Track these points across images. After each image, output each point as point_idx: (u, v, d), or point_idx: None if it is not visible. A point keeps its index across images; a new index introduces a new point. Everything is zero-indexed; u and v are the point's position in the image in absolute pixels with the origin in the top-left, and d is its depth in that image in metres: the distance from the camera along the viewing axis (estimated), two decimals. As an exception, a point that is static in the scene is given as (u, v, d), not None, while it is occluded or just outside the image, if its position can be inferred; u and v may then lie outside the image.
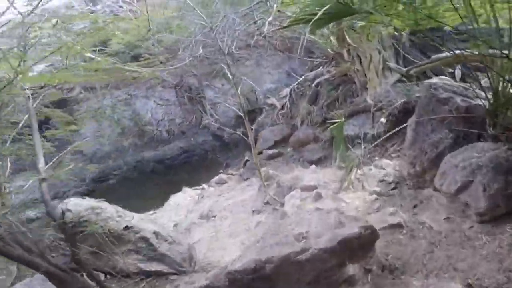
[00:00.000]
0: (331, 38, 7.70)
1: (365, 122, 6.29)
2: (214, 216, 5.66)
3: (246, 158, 9.09)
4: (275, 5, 7.08)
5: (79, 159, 13.48)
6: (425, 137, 3.66)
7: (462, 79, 6.51)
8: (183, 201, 8.34)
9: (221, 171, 10.13)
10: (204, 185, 8.91)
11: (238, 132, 7.16)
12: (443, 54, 6.06)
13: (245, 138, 6.15)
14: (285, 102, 9.40)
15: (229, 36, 5.92)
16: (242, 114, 6.28)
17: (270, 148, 8.59)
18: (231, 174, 8.76)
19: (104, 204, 3.24)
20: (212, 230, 5.24)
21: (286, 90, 11.09)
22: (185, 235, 5.30)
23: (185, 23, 9.76)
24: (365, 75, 7.02)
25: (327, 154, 6.53)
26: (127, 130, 13.40)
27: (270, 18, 7.26)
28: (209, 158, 12.64)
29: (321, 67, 9.54)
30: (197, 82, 12.77)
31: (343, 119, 4.81)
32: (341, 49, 6.80)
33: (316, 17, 2.87)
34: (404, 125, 4.40)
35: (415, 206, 3.60)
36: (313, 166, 5.82)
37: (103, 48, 10.78)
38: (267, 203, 5.22)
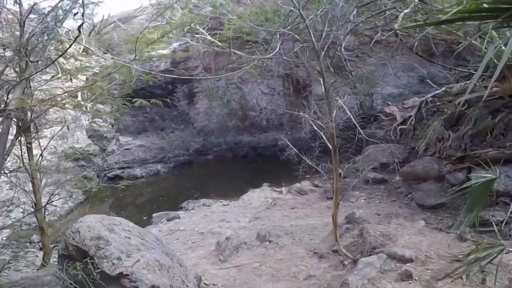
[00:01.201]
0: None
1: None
2: (270, 241, 4.58)
3: (340, 171, 7.51)
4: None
5: (190, 131, 14.25)
6: None
7: None
8: (257, 201, 7.46)
9: (308, 176, 8.81)
10: (284, 189, 7.81)
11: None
12: None
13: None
14: (410, 116, 7.26)
15: (341, 28, 4.37)
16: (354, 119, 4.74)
17: (375, 169, 6.78)
18: (316, 185, 7.35)
19: (113, 237, 2.45)
20: (257, 260, 4.22)
21: (415, 100, 8.79)
22: (225, 256, 4.35)
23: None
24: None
25: (448, 204, 4.51)
26: (233, 112, 13.33)
27: (407, 10, 5.30)
28: (309, 158, 11.39)
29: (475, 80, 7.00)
30: (306, 75, 11.44)
31: (497, 173, 2.87)
32: None
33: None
34: None
35: None
36: (422, 223, 3.95)
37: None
38: (336, 251, 3.78)
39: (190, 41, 10.82)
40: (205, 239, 5.50)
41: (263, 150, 12.33)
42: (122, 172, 11.37)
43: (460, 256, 3.07)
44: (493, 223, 3.62)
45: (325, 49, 3.69)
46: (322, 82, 3.55)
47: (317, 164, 4.25)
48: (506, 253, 2.84)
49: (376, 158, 6.80)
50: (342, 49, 10.45)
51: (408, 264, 3.08)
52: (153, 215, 7.46)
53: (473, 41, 5.96)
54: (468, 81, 6.90)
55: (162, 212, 7.43)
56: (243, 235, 5.12)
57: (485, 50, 5.81)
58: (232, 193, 8.59)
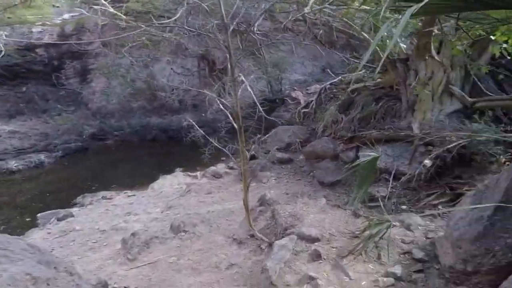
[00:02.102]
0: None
1: (402, 154, 4.86)
2: (186, 232, 4.41)
3: (253, 152, 7.88)
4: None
5: (83, 113, 12.69)
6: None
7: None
8: (169, 188, 7.08)
9: (223, 158, 8.95)
10: (198, 173, 7.74)
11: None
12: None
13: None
14: (311, 101, 7.99)
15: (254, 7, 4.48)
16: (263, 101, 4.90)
17: (281, 149, 7.30)
18: (232, 167, 7.55)
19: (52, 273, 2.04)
20: (173, 254, 4.00)
21: (316, 87, 9.66)
22: (134, 254, 4.09)
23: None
24: (417, 94, 5.52)
25: (343, 181, 5.18)
26: (139, 93, 12.43)
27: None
28: (217, 140, 11.44)
29: (363, 71, 8.04)
30: (223, 57, 11.45)
31: (379, 151, 3.46)
32: (418, 58, 5.19)
33: None
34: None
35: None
36: (323, 200, 4.46)
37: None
38: (253, 236, 3.97)
39: (86, 13, 9.60)
40: (108, 237, 4.93)
41: (175, 132, 11.89)
42: (-8, 167, 9.43)
43: (357, 233, 3.46)
44: (379, 198, 4.10)
45: (233, 24, 3.69)
46: (228, 58, 3.52)
47: (224, 146, 4.26)
48: (392, 227, 3.40)
49: (281, 138, 7.37)
50: (255, 29, 10.82)
51: (316, 244, 3.33)
52: (38, 215, 6.31)
53: (366, 35, 6.84)
54: (360, 72, 7.92)
55: (51, 211, 6.35)
56: (154, 227, 4.80)
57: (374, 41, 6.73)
58: (139, 182, 7.88)
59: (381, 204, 3.64)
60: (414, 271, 2.76)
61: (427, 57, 4.84)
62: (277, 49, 11.93)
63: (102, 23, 11.76)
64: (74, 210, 6.45)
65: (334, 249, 3.24)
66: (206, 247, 4.08)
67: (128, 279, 3.67)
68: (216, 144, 3.84)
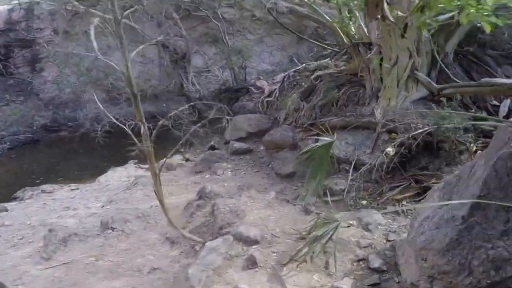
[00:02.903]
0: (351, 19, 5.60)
1: (364, 142, 4.32)
2: (113, 229, 3.73)
3: (212, 143, 7.11)
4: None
5: (34, 103, 11.42)
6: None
7: (507, 116, 4.61)
8: (117, 181, 6.32)
9: (182, 150, 8.11)
10: None
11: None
12: (501, 80, 4.10)
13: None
14: (275, 89, 7.35)
15: None
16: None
17: (240, 139, 6.59)
18: (188, 159, 6.79)
19: None
20: (93, 254, 3.38)
21: (281, 76, 9.04)
22: (49, 253, 3.42)
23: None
24: (381, 79, 5.01)
25: (300, 172, 4.58)
26: (96, 82, 11.32)
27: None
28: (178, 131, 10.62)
29: (328, 59, 7.49)
30: (184, 45, 10.53)
31: (334, 137, 2.84)
32: (370, 16, 4.59)
33: None
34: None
35: None
36: (272, 195, 3.81)
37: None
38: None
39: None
40: (36, 234, 4.39)
41: (134, 124, 10.98)
42: None
43: (304, 234, 2.88)
44: (337, 192, 3.63)
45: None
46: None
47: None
48: (347, 226, 2.77)
49: (241, 127, 6.65)
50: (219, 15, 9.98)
51: (254, 247, 2.76)
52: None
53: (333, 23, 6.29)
54: (325, 60, 7.36)
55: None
56: (89, 224, 4.13)
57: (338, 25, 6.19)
58: (89, 175, 7.12)
59: (338, 198, 3.05)
60: (368, 285, 2.15)
61: (379, 17, 4.26)
62: (244, 38, 11.20)
63: (51, 9, 10.61)
64: (11, 204, 5.74)
65: (274, 254, 2.61)
66: (134, 246, 3.49)
67: (38, 280, 3.18)
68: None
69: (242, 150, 6.16)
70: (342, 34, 6.00)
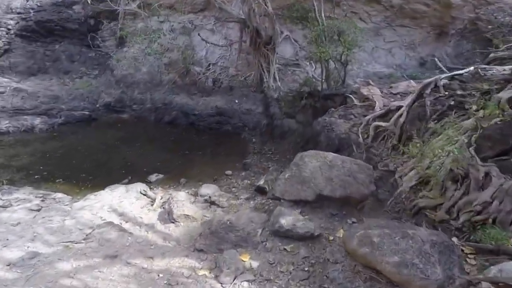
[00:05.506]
0: None
1: None
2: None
3: (262, 182, 3.97)
4: None
5: (106, 79, 10.12)
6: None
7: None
8: (88, 215, 3.43)
9: (228, 173, 5.18)
10: (160, 196, 4.01)
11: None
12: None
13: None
14: (398, 108, 3.72)
15: None
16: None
17: (299, 204, 3.19)
18: (212, 202, 3.83)
19: None
20: None
21: (410, 85, 5.26)
22: None
23: None
24: None
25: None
26: (172, 64, 9.38)
27: None
28: (242, 136, 7.84)
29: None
30: (271, 26, 7.42)
31: None
32: None
33: None
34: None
35: None
36: None
37: None
38: None
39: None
40: None
41: (197, 118, 8.64)
42: (-19, 123, 7.52)
43: None
44: None
45: None
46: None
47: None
48: None
49: (312, 179, 3.21)
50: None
51: None
52: None
53: None
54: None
55: None
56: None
57: None
58: (101, 183, 4.62)
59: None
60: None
61: None
62: (357, 21, 7.47)
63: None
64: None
65: None
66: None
67: None
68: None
69: (297, 235, 2.75)
70: None
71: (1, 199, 3.71)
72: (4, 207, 3.61)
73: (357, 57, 6.98)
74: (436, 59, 5.71)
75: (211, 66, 9.41)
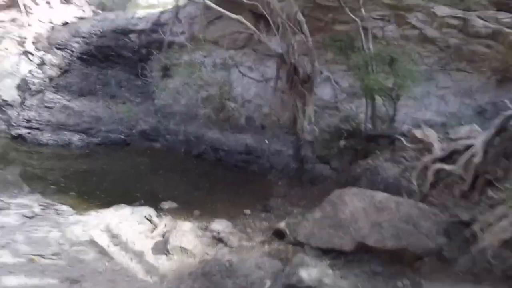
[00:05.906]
0: None
1: None
2: None
3: (283, 224, 3.12)
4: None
5: (146, 107, 10.35)
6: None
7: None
8: (133, 228, 3.22)
9: (247, 212, 4.41)
10: (165, 224, 3.45)
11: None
12: None
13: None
14: (468, 147, 2.85)
15: None
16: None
17: (330, 254, 2.35)
18: (219, 239, 3.05)
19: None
20: None
21: (473, 130, 4.33)
22: None
23: None
24: None
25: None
26: (209, 98, 9.34)
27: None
28: (268, 178, 7.13)
29: None
30: (311, 63, 7.04)
31: None
32: None
33: None
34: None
35: None
36: None
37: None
38: None
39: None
40: None
41: (225, 154, 8.21)
42: (29, 134, 7.84)
43: None
44: None
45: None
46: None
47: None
48: None
49: (352, 222, 2.39)
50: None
51: None
52: None
53: None
54: None
55: None
56: None
57: None
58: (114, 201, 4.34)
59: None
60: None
61: None
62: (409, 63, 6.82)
63: (192, 13, 9.32)
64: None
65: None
66: None
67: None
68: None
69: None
70: None
71: (3, 201, 3.38)
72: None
73: (403, 102, 6.19)
74: (507, 101, 4.75)
75: (245, 103, 9.14)
